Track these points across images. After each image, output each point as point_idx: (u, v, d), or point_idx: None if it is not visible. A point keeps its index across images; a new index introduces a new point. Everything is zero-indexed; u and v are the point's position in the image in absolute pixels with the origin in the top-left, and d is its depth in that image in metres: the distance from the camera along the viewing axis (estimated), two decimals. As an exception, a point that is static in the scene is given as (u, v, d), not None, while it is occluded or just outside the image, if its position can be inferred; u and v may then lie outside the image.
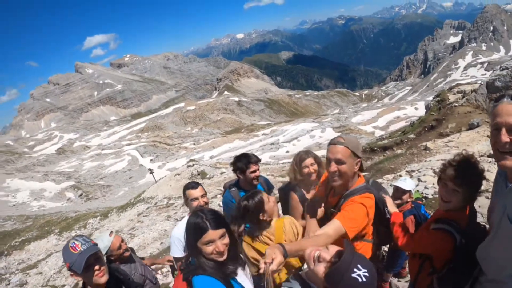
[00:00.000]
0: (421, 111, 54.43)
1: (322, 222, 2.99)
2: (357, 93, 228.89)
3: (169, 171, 73.43)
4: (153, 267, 4.57)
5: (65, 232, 32.81)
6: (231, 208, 4.24)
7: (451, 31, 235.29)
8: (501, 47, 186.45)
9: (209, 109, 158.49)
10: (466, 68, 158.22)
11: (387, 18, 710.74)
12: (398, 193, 4.30)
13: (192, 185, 4.05)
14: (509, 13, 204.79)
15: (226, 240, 2.42)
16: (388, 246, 4.62)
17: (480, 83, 19.35)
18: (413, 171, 11.10)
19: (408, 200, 4.28)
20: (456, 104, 20.00)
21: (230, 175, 30.45)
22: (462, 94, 21.73)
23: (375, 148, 21.17)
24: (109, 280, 2.85)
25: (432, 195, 7.78)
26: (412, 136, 20.36)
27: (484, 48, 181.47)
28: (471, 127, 16.40)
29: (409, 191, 4.27)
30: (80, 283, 2.86)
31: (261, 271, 2.03)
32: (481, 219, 4.33)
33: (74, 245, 2.67)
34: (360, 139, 68.11)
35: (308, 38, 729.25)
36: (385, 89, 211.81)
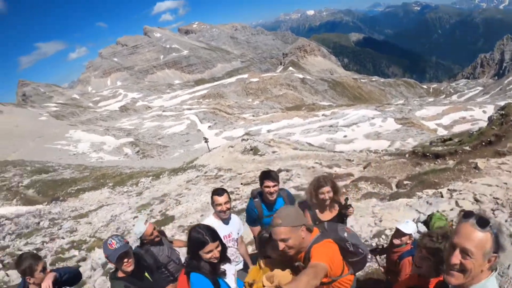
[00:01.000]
0: (489, 114, 49.06)
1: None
2: (424, 86, 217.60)
3: (226, 139, 73.79)
4: (182, 249, 4.82)
5: (118, 186, 32.73)
6: (251, 215, 4.97)
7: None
8: None
9: (272, 83, 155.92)
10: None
11: (465, 9, 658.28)
12: (399, 234, 4.27)
13: (219, 192, 4.57)
14: None
15: (220, 248, 3.28)
16: None
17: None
18: (454, 190, 10.58)
19: (408, 242, 4.26)
20: (522, 122, 18.95)
21: (281, 155, 30.33)
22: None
23: (427, 154, 20.45)
24: (136, 266, 3.88)
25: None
26: (467, 148, 19.49)
27: None
28: (533, 151, 14.08)
29: (409, 234, 4.27)
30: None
31: None
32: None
33: (111, 243, 3.69)
34: (421, 134, 63.66)
35: (380, 22, 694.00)
36: (455, 86, 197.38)
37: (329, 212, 4.50)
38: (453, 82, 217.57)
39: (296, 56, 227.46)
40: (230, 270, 3.45)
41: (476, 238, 1.97)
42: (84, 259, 13.82)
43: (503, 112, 21.71)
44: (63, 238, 18.04)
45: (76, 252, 15.13)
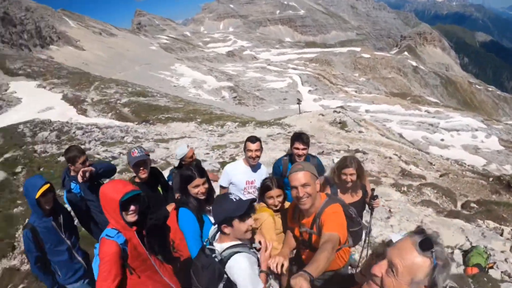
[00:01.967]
0: None
1: (299, 245, 3.46)
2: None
3: (322, 107, 72.17)
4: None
5: (204, 124, 33.83)
6: (275, 171, 5.04)
7: None
8: None
9: (383, 63, 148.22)
10: None
11: None
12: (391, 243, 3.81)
13: (253, 139, 4.65)
14: None
15: (206, 185, 3.57)
16: None
17: None
18: (517, 232, 9.50)
19: None
20: None
21: (366, 137, 29.09)
22: None
23: (512, 186, 17.67)
24: (152, 178, 4.61)
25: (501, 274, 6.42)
26: None
27: None
28: None
29: None
30: None
31: None
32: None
33: (134, 152, 4.33)
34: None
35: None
36: None
37: (351, 195, 4.38)
38: None
39: (415, 41, 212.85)
40: None
41: (411, 259, 1.66)
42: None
43: None
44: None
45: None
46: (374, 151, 22.76)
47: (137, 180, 4.45)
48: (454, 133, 69.78)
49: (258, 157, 4.67)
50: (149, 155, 4.57)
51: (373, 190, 4.54)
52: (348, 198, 4.29)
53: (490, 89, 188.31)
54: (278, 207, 3.87)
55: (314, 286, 2.30)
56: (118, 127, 30.41)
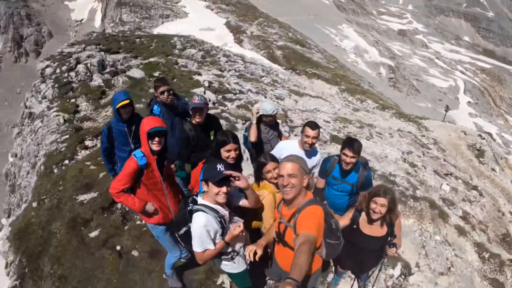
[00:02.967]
0: None
1: (277, 234, 3.48)
2: None
3: (474, 125, 68.35)
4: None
5: (346, 92, 33.16)
6: (322, 167, 5.07)
7: None
8: None
9: None
10: None
11: None
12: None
13: (312, 126, 4.70)
14: None
15: (238, 152, 4.02)
16: None
17: None
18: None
19: None
20: None
21: (496, 179, 23.51)
22: None
23: None
24: (207, 123, 5.13)
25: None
26: None
27: None
28: None
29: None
30: None
31: None
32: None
33: (195, 98, 4.88)
34: None
35: None
36: None
37: (374, 228, 4.20)
38: None
39: None
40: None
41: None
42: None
43: None
44: (265, 96, 19.80)
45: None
46: (492, 198, 20.17)
47: (193, 122, 5.06)
48: None
49: (313, 144, 4.79)
50: (207, 104, 5.15)
51: (394, 236, 4.21)
52: (370, 230, 4.22)
53: None
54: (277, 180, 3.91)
55: None
56: (261, 66, 31.36)
